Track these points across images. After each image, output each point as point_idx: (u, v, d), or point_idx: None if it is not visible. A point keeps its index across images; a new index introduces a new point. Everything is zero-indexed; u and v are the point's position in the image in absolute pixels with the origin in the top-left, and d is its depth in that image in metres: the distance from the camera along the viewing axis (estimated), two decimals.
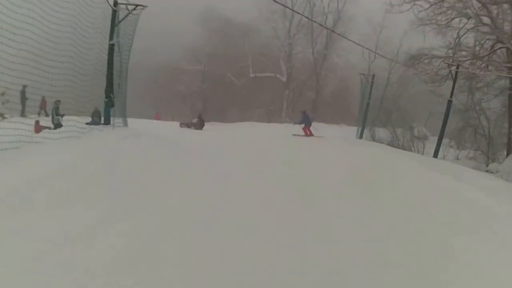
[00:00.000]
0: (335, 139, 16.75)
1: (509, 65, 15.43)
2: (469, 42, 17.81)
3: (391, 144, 16.56)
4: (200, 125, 17.56)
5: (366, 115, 20.02)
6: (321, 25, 30.58)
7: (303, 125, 17.32)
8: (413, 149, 16.45)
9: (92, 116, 10.85)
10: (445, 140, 15.98)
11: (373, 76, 20.19)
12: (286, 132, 18.99)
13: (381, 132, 19.52)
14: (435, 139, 16.37)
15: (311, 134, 16.12)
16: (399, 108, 20.26)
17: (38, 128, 9.58)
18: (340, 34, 28.21)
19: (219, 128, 23.27)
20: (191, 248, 3.50)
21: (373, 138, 18.60)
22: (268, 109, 36.24)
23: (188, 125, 17.36)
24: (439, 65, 17.47)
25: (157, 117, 33.64)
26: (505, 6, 15.62)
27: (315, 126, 29.68)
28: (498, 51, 16.61)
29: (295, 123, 29.85)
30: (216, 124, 35.53)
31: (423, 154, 16.05)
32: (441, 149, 15.20)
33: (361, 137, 19.53)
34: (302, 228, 4.20)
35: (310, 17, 35.01)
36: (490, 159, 15.43)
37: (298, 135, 16.03)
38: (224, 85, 40.61)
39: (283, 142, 13.31)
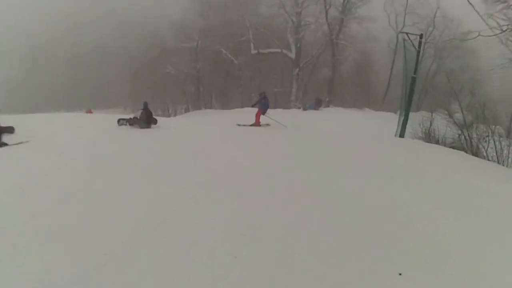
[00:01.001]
0: (363, 140, 10.77)
1: None
2: None
3: (463, 147, 10.05)
4: (145, 122, 11.15)
5: (411, 99, 13.36)
6: None
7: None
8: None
9: None
10: None
11: (421, 36, 13.42)
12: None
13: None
14: None
15: (256, 123, 12.91)
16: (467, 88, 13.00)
17: None
18: None
19: (187, 121, 17.41)
20: None
21: (428, 136, 11.66)
22: (273, 91, 29.73)
23: (130, 122, 11.03)
24: None
25: (90, 112, 28.51)
26: None
27: (331, 111, 23.93)
28: None
29: (305, 109, 24.23)
30: (198, 113, 29.76)
31: None
32: None
33: (402, 134, 12.89)
34: None
35: None
36: None
37: (245, 125, 12.90)
38: (221, 64, 34.16)
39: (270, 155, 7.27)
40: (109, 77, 59.05)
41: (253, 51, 32.07)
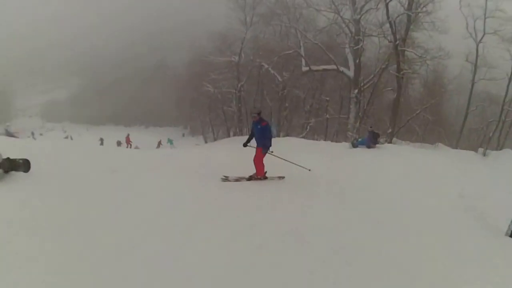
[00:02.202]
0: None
1: None
2: None
3: None
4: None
5: None
6: None
7: None
8: None
9: None
10: None
11: None
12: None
13: None
14: None
15: (259, 171, 8.11)
16: None
17: None
18: None
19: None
20: None
21: None
22: (324, 117, 24.80)
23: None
24: None
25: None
26: None
27: (392, 150, 17.14)
28: None
29: (355, 146, 17.88)
30: (223, 143, 25.53)
31: None
32: None
33: None
34: None
35: None
36: None
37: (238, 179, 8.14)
38: (265, 83, 29.78)
39: None
40: (150, 94, 58.11)
41: (304, 68, 27.12)
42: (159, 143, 35.84)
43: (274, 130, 7.69)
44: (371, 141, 16.32)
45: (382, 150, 15.55)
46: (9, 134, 21.87)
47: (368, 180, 9.35)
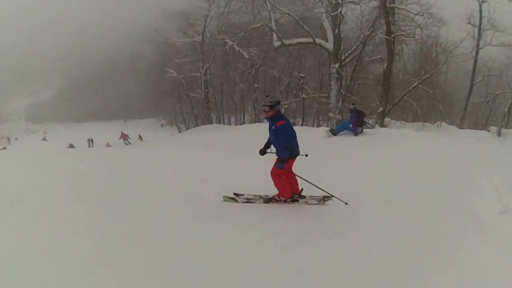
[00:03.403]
0: None
1: None
2: None
3: None
4: None
5: None
6: None
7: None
8: None
9: None
10: None
11: None
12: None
13: None
14: None
15: (283, 192, 5.34)
16: None
17: None
18: None
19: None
20: None
21: None
22: (300, 98, 21.13)
23: None
24: None
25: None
26: None
27: (385, 136, 12.34)
28: None
29: (335, 133, 12.98)
30: (192, 133, 21.95)
31: None
32: None
33: None
34: None
35: None
36: None
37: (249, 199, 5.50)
38: (231, 63, 26.07)
39: None
40: (126, 86, 55.69)
41: (276, 43, 23.24)
42: (123, 138, 32.59)
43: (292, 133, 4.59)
44: (357, 123, 11.60)
45: (374, 137, 11.10)
46: None
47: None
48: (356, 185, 6.42)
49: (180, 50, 27.36)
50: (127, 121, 61.87)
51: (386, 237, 4.36)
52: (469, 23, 22.53)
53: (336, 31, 21.87)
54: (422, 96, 23.39)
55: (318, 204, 5.49)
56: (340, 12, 21.64)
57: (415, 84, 21.09)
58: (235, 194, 5.74)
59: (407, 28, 20.78)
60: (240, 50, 23.64)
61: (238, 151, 9.40)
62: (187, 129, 30.40)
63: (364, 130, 11.98)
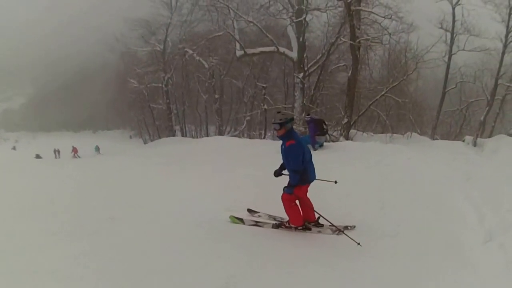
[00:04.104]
0: None
1: None
2: None
3: None
4: None
5: None
6: None
7: None
8: None
9: None
10: None
11: None
12: None
13: None
14: None
15: (295, 219, 5.01)
16: None
17: None
18: None
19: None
20: None
21: None
22: (262, 109, 20.32)
23: None
24: None
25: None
26: None
27: (351, 149, 11.21)
28: None
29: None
30: (151, 146, 21.01)
31: None
32: None
33: None
34: None
35: None
36: None
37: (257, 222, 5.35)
38: (194, 71, 25.09)
39: None
40: (94, 96, 54.55)
41: (238, 52, 22.32)
42: (74, 152, 31.19)
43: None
44: (317, 132, 10.56)
45: (335, 153, 9.95)
46: None
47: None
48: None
49: (142, 60, 26.32)
50: (96, 132, 60.32)
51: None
52: (441, 27, 21.85)
53: (301, 39, 21.11)
54: (391, 106, 22.76)
55: (336, 233, 4.92)
56: (304, 19, 20.87)
57: (383, 93, 20.23)
58: (248, 210, 5.49)
59: (375, 33, 19.98)
60: (200, 59, 22.61)
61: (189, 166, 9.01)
62: (152, 141, 29.20)
63: (325, 144, 10.99)
